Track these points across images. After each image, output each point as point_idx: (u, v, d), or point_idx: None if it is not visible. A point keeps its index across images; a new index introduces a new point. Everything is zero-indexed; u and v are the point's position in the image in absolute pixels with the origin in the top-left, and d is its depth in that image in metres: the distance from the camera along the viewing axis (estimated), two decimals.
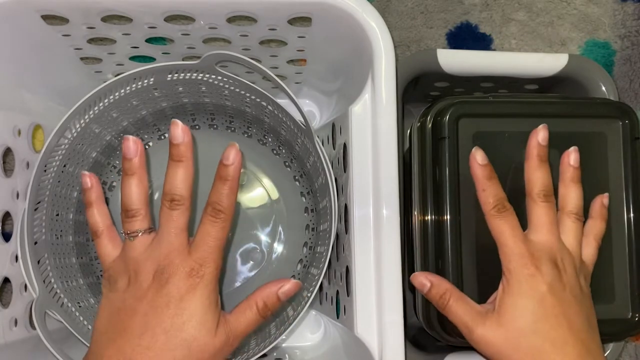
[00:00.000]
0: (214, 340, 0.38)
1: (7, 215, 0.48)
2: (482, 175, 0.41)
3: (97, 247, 0.42)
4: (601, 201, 0.45)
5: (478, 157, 0.42)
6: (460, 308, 0.41)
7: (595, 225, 0.45)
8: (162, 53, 0.51)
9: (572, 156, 0.43)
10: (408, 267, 0.50)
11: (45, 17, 0.43)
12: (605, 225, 0.45)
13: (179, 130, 0.39)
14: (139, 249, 0.40)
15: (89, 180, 0.43)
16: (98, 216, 0.43)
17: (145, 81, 0.48)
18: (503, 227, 0.41)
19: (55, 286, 0.48)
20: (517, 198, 0.47)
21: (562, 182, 0.44)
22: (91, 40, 0.48)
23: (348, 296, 0.46)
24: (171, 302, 0.37)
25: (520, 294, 0.39)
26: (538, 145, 0.42)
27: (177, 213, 0.39)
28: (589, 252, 0.44)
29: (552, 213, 0.42)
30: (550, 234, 0.41)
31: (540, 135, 0.42)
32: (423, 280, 0.43)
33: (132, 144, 0.40)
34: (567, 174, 0.43)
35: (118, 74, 0.50)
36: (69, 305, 0.49)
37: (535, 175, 0.42)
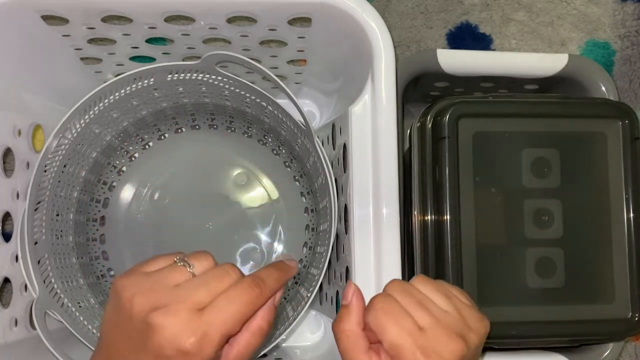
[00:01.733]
0: None
1: (7, 215, 0.48)
2: None
3: (159, 256, 0.37)
4: None
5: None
6: (349, 344, 0.37)
7: None
8: (162, 53, 0.51)
9: None
10: (408, 267, 0.50)
11: (45, 18, 0.43)
12: None
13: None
14: (171, 278, 0.35)
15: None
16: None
17: (146, 81, 0.48)
18: None
19: (55, 286, 0.48)
20: (516, 198, 0.47)
21: None
22: (91, 41, 0.48)
23: None
24: (160, 357, 0.32)
25: None
26: None
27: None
28: None
29: None
30: None
31: None
32: (351, 294, 0.38)
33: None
34: None
35: (118, 74, 0.50)
36: (69, 305, 0.49)
37: None
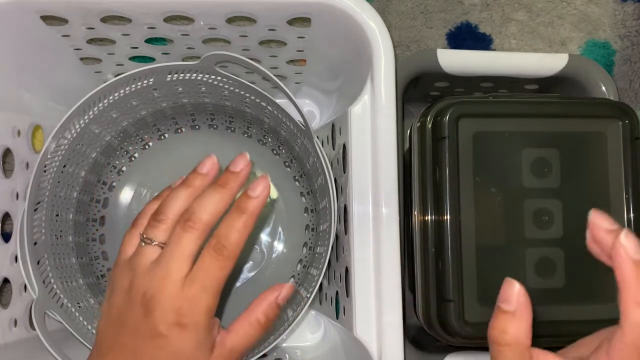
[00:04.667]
0: None
1: (7, 215, 0.48)
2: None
3: (126, 235, 0.40)
4: None
5: (630, 248, 0.28)
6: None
7: None
8: (162, 53, 0.51)
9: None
10: (408, 267, 0.50)
11: (45, 18, 0.43)
12: None
13: (243, 161, 0.38)
14: (144, 260, 0.37)
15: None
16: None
17: (145, 81, 0.48)
18: None
19: (55, 287, 0.48)
20: (516, 198, 0.47)
21: None
22: (91, 41, 0.48)
23: (347, 297, 0.46)
24: (156, 336, 0.35)
25: None
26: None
27: (188, 237, 0.36)
28: None
29: None
30: None
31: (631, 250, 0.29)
32: (516, 296, 0.33)
33: (209, 163, 0.39)
34: None
35: (118, 74, 0.50)
36: (69, 305, 0.49)
37: None
